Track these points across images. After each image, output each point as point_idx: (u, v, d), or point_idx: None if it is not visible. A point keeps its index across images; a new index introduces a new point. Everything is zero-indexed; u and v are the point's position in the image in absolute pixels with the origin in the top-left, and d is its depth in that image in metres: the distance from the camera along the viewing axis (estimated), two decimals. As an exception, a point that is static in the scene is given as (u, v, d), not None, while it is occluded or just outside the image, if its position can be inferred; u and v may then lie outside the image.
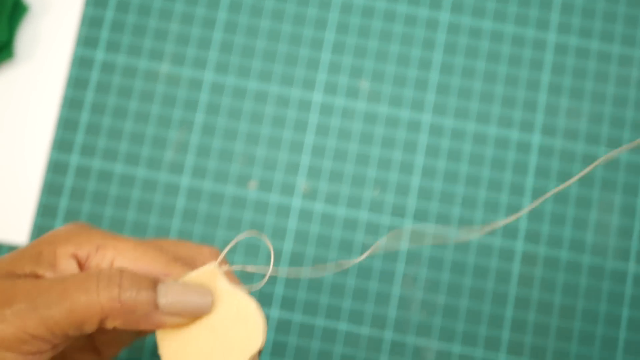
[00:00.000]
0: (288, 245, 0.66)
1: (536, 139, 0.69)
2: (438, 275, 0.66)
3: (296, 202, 0.67)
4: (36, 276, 0.45)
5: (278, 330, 0.65)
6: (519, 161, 0.68)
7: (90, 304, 0.43)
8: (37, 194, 0.67)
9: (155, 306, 0.44)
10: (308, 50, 0.70)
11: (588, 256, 0.67)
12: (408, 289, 0.66)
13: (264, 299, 0.66)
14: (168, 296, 0.44)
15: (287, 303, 0.66)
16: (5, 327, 0.42)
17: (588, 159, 0.69)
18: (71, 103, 0.69)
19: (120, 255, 0.46)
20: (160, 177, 0.68)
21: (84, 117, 0.69)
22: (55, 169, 0.68)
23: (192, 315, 0.46)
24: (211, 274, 0.46)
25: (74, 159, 0.68)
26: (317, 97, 0.69)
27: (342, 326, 0.65)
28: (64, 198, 0.67)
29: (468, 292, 0.66)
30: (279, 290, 0.66)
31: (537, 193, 0.68)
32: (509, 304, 0.66)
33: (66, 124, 0.68)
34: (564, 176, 0.68)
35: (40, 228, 0.66)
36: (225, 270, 0.47)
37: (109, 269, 0.44)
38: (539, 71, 0.70)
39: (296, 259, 0.66)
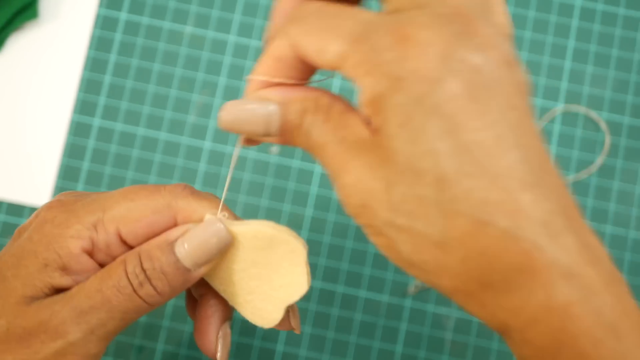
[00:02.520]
0: (309, 211, 0.63)
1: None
2: (459, 244, 0.63)
3: (318, 168, 0.64)
4: (59, 290, 0.42)
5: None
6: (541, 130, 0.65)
7: (136, 306, 0.41)
8: (59, 156, 0.64)
9: (186, 270, 0.42)
10: (332, 13, 0.66)
11: (610, 226, 0.64)
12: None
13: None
14: (189, 252, 0.42)
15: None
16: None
17: (612, 125, 0.65)
18: (94, 64, 0.66)
19: (121, 224, 0.42)
20: (183, 140, 0.64)
21: (107, 78, 0.65)
22: (77, 131, 0.65)
23: (219, 254, 0.43)
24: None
25: (96, 122, 0.65)
26: (341, 61, 0.66)
27: (362, 294, 0.63)
28: (85, 160, 0.64)
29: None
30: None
31: (559, 161, 0.64)
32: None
33: (89, 85, 0.65)
34: (588, 143, 0.65)
35: (61, 190, 0.64)
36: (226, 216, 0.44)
37: (129, 264, 0.41)
38: (565, 38, 0.66)
39: (317, 225, 0.63)
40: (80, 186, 0.64)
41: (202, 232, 0.42)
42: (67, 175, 0.64)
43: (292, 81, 0.39)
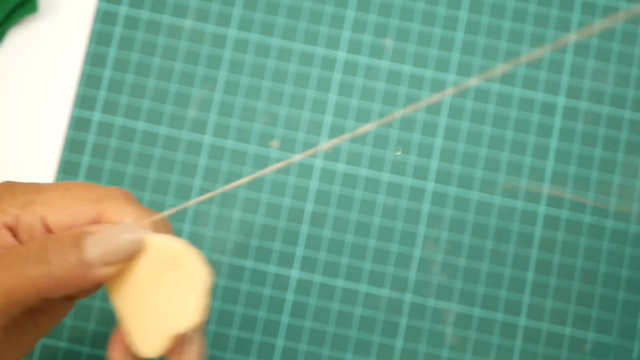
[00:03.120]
0: (309, 206, 0.63)
1: (561, 101, 0.65)
2: (459, 238, 0.63)
3: (318, 162, 0.64)
4: None
5: (298, 291, 0.62)
6: (542, 123, 0.64)
7: (23, 286, 0.40)
8: (58, 150, 0.63)
9: (88, 265, 0.40)
10: (332, 7, 0.66)
11: (611, 220, 0.63)
12: (429, 251, 0.63)
13: (284, 258, 0.62)
14: (96, 248, 0.40)
15: (308, 264, 0.62)
16: None
17: (613, 120, 0.64)
18: (94, 58, 0.65)
19: (48, 208, 0.42)
20: (183, 135, 0.64)
21: (107, 73, 0.65)
22: (77, 125, 0.64)
23: (126, 257, 0.42)
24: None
25: (96, 116, 0.64)
26: (341, 55, 0.65)
27: (363, 288, 0.62)
28: (85, 155, 0.64)
29: (489, 255, 0.62)
30: (299, 251, 0.62)
31: (560, 155, 0.64)
32: (530, 267, 0.62)
33: (88, 80, 0.65)
34: (589, 137, 0.64)
35: (62, 184, 0.63)
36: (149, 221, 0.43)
37: (34, 243, 0.40)
38: (565, 32, 0.66)
39: (317, 220, 0.63)
40: (80, 180, 0.63)
41: (113, 230, 0.41)
42: (67, 169, 0.63)
43: None
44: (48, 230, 0.42)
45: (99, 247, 0.41)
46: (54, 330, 0.61)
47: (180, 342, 0.43)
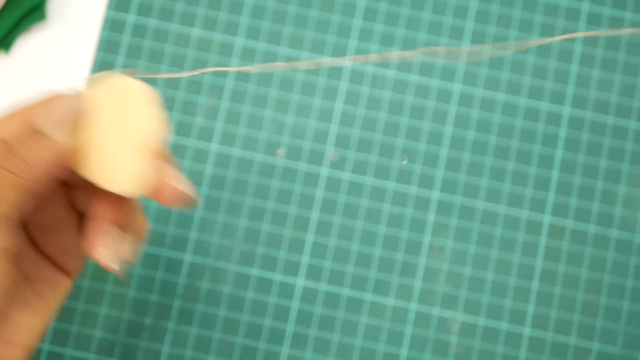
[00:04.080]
0: (315, 214, 0.63)
1: (566, 110, 0.64)
2: (465, 247, 0.62)
3: (324, 171, 0.63)
4: None
5: (303, 299, 0.62)
6: (547, 133, 0.64)
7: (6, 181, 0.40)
8: (66, 157, 0.63)
9: (42, 134, 0.41)
10: (339, 16, 0.65)
11: (616, 230, 0.63)
12: (434, 260, 0.62)
13: (290, 267, 0.62)
14: (44, 113, 0.42)
15: (313, 272, 0.62)
16: None
17: (618, 130, 0.64)
18: (102, 66, 0.65)
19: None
20: (189, 143, 0.64)
21: (114, 80, 0.65)
22: (85, 133, 0.64)
23: (73, 114, 0.42)
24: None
25: (104, 124, 0.64)
26: (348, 64, 0.65)
27: (368, 297, 0.62)
28: (93, 162, 0.63)
29: (494, 264, 0.62)
30: (305, 259, 0.62)
31: (565, 164, 0.63)
32: (535, 277, 0.62)
33: (96, 88, 0.64)
34: (594, 148, 0.64)
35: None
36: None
37: None
38: (571, 42, 0.65)
39: (323, 228, 0.62)
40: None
41: (57, 95, 0.43)
42: (74, 177, 0.63)
43: None
44: None
45: (45, 112, 0.42)
46: (65, 313, 0.61)
47: (156, 171, 0.43)
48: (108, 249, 0.44)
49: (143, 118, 0.44)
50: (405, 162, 0.64)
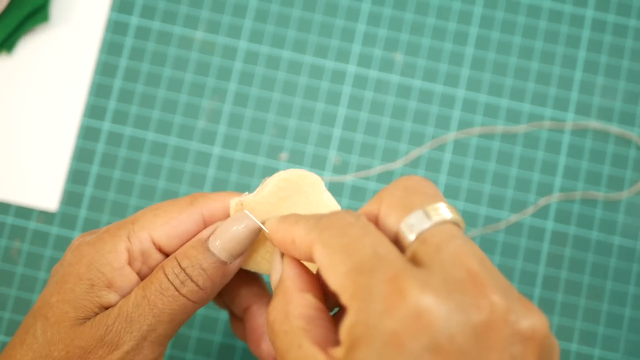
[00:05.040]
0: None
1: (570, 117, 0.64)
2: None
3: (327, 175, 0.63)
4: (107, 307, 0.42)
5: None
6: (551, 139, 0.64)
7: (182, 306, 0.42)
8: (68, 159, 0.63)
9: (223, 263, 0.43)
10: (343, 21, 0.65)
11: (618, 237, 0.62)
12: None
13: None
14: (223, 245, 0.43)
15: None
16: None
17: (621, 141, 0.64)
18: (104, 68, 0.64)
19: (151, 230, 0.43)
20: (192, 146, 0.63)
21: (117, 83, 0.64)
22: (87, 135, 0.63)
23: (251, 242, 0.43)
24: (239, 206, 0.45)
25: (106, 126, 0.63)
26: (351, 68, 0.65)
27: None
28: (94, 164, 0.63)
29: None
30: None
31: (568, 171, 0.63)
32: (537, 283, 0.62)
33: (99, 90, 0.64)
34: (596, 154, 0.63)
35: (70, 193, 0.62)
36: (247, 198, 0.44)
37: (168, 270, 0.42)
38: (575, 48, 0.65)
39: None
40: (89, 190, 0.62)
41: (231, 224, 0.43)
42: (76, 179, 0.63)
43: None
44: (160, 250, 0.43)
45: (224, 244, 0.42)
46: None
47: None
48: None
49: (322, 203, 0.44)
50: (407, 167, 0.63)
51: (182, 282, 0.41)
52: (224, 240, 0.42)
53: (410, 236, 0.35)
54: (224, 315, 0.61)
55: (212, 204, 0.44)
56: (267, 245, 0.44)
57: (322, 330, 0.35)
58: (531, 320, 0.33)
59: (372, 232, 0.35)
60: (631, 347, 0.61)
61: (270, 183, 0.43)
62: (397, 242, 0.35)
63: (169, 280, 0.41)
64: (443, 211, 0.35)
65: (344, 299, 0.33)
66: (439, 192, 0.37)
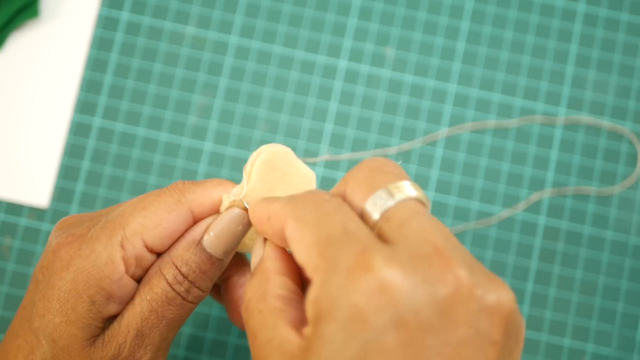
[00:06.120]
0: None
1: (562, 111, 0.64)
2: (459, 248, 0.62)
3: (318, 170, 0.63)
4: (109, 317, 0.42)
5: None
6: (543, 134, 0.63)
7: (187, 310, 0.43)
8: (58, 155, 0.62)
9: (219, 261, 0.43)
10: (334, 15, 0.65)
11: (611, 232, 0.62)
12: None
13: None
14: (218, 243, 0.43)
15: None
16: None
17: (613, 135, 0.64)
18: (95, 64, 0.64)
19: (143, 234, 0.42)
20: (183, 142, 0.63)
21: (108, 78, 0.64)
22: (78, 131, 0.63)
23: (244, 233, 0.43)
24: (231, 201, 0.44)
25: (97, 122, 0.63)
26: (342, 63, 0.64)
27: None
28: (85, 160, 0.63)
29: (489, 265, 0.62)
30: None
31: (561, 165, 0.63)
32: (529, 278, 0.61)
33: (89, 85, 0.64)
34: (588, 149, 0.63)
35: (61, 189, 0.62)
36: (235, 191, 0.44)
37: (168, 273, 0.42)
38: (567, 42, 0.65)
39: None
40: (79, 186, 0.62)
41: (223, 221, 0.42)
42: (67, 175, 0.62)
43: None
44: (153, 251, 0.43)
45: (218, 242, 0.42)
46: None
47: None
48: None
49: (296, 172, 0.45)
50: (400, 162, 0.63)
51: (187, 290, 0.42)
52: (218, 237, 0.42)
53: (374, 215, 0.35)
54: (216, 311, 0.61)
55: (200, 198, 0.43)
56: (253, 228, 0.44)
57: (297, 312, 0.35)
58: (497, 294, 0.32)
59: (345, 209, 0.35)
60: (624, 342, 0.61)
61: (254, 171, 0.43)
62: (363, 221, 0.35)
63: (174, 290, 0.41)
64: (406, 189, 0.35)
65: (309, 271, 0.33)
66: (403, 171, 0.37)
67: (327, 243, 0.33)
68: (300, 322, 0.34)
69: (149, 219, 0.42)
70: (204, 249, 0.42)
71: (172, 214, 0.42)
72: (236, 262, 0.47)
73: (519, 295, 0.61)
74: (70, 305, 0.41)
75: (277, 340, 0.34)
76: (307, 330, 0.33)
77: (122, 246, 0.41)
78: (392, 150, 0.63)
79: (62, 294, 0.41)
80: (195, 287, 0.42)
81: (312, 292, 0.32)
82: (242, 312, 0.38)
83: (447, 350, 0.31)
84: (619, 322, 0.61)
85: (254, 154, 0.43)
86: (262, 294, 0.36)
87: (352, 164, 0.63)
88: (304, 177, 0.45)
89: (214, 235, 0.42)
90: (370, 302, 0.30)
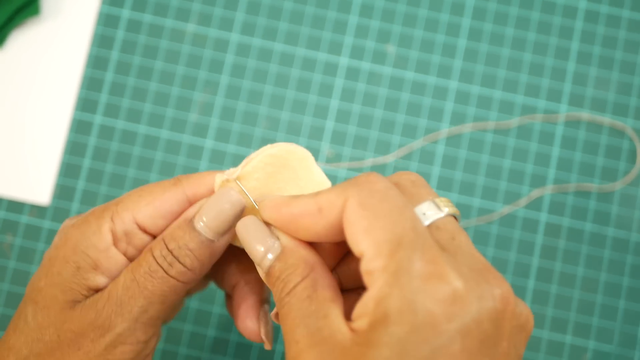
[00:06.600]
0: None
1: (563, 108, 0.64)
2: (461, 245, 0.62)
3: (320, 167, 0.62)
4: (96, 290, 0.42)
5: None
6: (544, 131, 0.63)
7: (172, 287, 0.42)
8: (59, 153, 0.63)
9: (209, 242, 0.42)
10: (335, 12, 0.65)
11: (612, 229, 0.62)
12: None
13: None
14: (209, 223, 0.42)
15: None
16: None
17: (614, 132, 0.64)
18: (96, 61, 0.64)
19: (135, 211, 0.43)
20: (184, 139, 0.63)
21: (109, 76, 0.64)
22: (79, 128, 0.63)
23: (238, 218, 0.42)
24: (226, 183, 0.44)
25: (98, 119, 0.63)
26: (344, 60, 0.64)
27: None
28: (86, 158, 0.63)
29: (490, 262, 0.61)
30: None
31: (562, 162, 0.63)
32: (531, 275, 0.61)
33: (90, 83, 0.64)
34: (590, 146, 0.63)
35: (62, 187, 0.62)
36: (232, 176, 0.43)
37: (156, 252, 0.42)
38: (568, 39, 0.65)
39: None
40: (80, 183, 0.62)
41: (215, 202, 0.42)
42: (68, 172, 0.62)
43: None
44: (145, 231, 0.43)
45: (210, 223, 0.42)
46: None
47: None
48: (258, 322, 0.46)
49: (312, 179, 0.44)
50: (400, 160, 0.63)
51: (170, 264, 0.41)
52: (209, 217, 0.42)
53: (425, 222, 0.36)
54: (217, 309, 0.61)
55: (195, 182, 0.43)
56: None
57: (343, 305, 0.36)
58: (526, 311, 0.35)
59: (409, 205, 0.35)
60: (625, 338, 0.61)
61: (256, 158, 0.42)
62: None
63: (157, 262, 0.41)
64: (451, 205, 0.37)
65: (373, 266, 0.34)
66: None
67: (399, 243, 0.33)
68: (347, 315, 0.35)
69: (142, 197, 0.43)
70: (193, 227, 0.42)
71: (166, 194, 0.43)
72: (244, 268, 0.47)
73: (521, 292, 0.61)
74: (55, 270, 0.42)
75: (327, 330, 0.34)
76: (361, 325, 0.33)
77: (112, 219, 0.42)
78: (393, 147, 0.63)
79: (50, 259, 0.42)
80: (179, 262, 0.41)
81: (378, 291, 0.33)
82: (277, 294, 0.38)
83: None
84: (621, 319, 0.61)
85: (269, 146, 0.43)
86: (312, 281, 0.36)
87: (373, 168, 0.63)
88: (318, 185, 0.44)
89: (203, 212, 0.42)
90: (443, 310, 0.32)
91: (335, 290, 0.36)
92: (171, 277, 0.41)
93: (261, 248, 0.39)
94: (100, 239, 0.42)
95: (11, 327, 0.42)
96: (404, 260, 0.33)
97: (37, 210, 0.62)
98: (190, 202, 0.43)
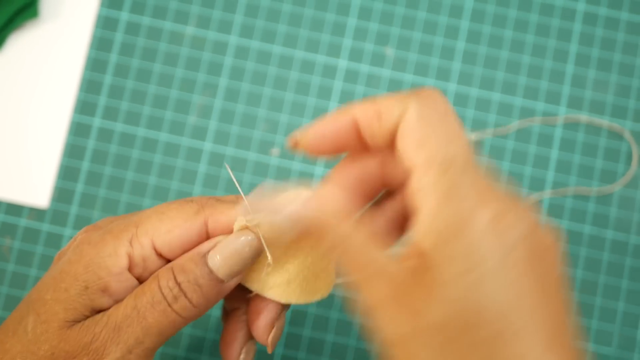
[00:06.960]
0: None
1: (562, 111, 0.64)
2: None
3: (318, 171, 0.63)
4: (99, 310, 0.41)
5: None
6: (543, 133, 0.63)
7: (172, 321, 0.41)
8: (58, 156, 0.63)
9: (219, 281, 0.41)
10: (334, 15, 0.65)
11: (611, 231, 0.62)
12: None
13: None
14: (223, 263, 0.41)
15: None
16: None
17: (613, 135, 0.64)
18: (95, 64, 0.64)
19: (154, 236, 0.42)
20: (183, 142, 0.63)
21: (107, 79, 0.64)
22: (77, 131, 0.63)
23: (252, 262, 0.42)
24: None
25: (97, 122, 0.63)
26: (342, 63, 0.64)
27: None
28: (85, 161, 0.63)
29: (489, 264, 0.62)
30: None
31: (560, 165, 0.63)
32: (530, 277, 0.62)
33: (89, 86, 0.64)
34: (588, 148, 0.63)
35: (61, 190, 0.62)
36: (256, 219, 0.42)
37: (163, 280, 0.41)
38: (567, 41, 0.65)
39: (317, 228, 0.62)
40: (80, 186, 0.62)
41: (233, 242, 0.41)
42: (67, 175, 0.62)
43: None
44: (160, 256, 0.42)
45: (224, 262, 0.41)
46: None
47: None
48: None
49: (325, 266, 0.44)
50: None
51: (175, 297, 0.40)
52: (224, 257, 0.41)
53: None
54: (216, 312, 0.61)
55: (217, 215, 0.42)
56: (263, 265, 0.43)
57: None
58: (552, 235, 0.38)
59: (463, 129, 0.37)
60: (624, 341, 0.61)
61: (282, 219, 0.41)
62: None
63: (162, 293, 0.40)
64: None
65: (425, 182, 0.35)
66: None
67: (452, 162, 0.35)
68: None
69: (163, 223, 0.42)
70: (206, 264, 0.41)
71: (187, 222, 0.42)
72: (245, 297, 0.47)
73: (520, 294, 0.62)
74: (64, 286, 0.41)
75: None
76: (426, 244, 0.34)
77: (130, 242, 0.41)
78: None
79: (61, 273, 0.41)
80: (185, 297, 0.40)
81: (434, 209, 0.34)
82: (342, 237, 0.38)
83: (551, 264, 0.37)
84: (620, 321, 0.61)
85: (293, 191, 0.42)
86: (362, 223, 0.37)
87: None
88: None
89: (219, 250, 0.41)
90: (494, 227, 0.34)
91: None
92: (173, 310, 0.40)
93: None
94: (115, 263, 0.41)
95: (11, 329, 0.42)
96: (455, 180, 0.34)
97: (36, 213, 0.62)
98: (209, 234, 0.43)
